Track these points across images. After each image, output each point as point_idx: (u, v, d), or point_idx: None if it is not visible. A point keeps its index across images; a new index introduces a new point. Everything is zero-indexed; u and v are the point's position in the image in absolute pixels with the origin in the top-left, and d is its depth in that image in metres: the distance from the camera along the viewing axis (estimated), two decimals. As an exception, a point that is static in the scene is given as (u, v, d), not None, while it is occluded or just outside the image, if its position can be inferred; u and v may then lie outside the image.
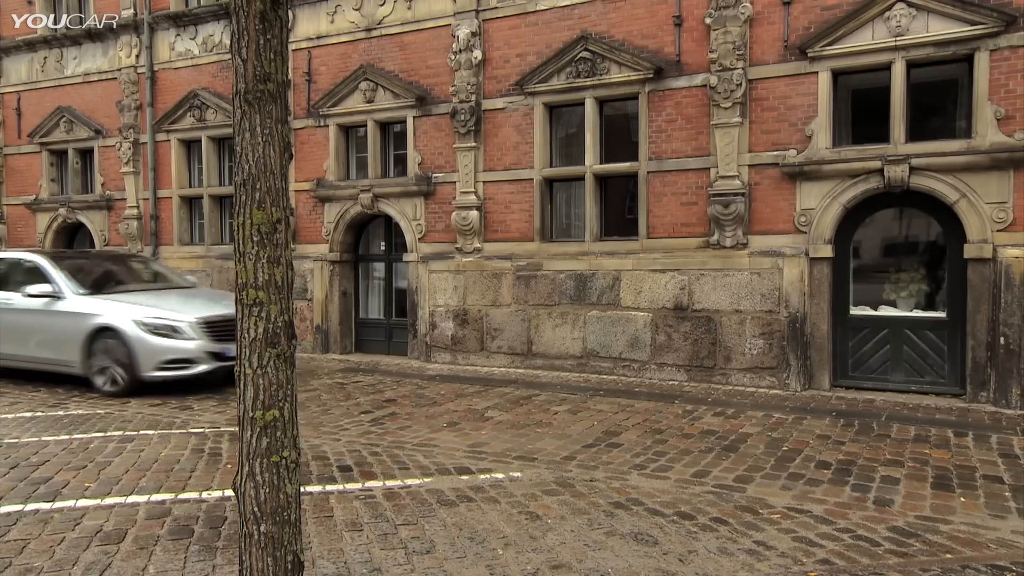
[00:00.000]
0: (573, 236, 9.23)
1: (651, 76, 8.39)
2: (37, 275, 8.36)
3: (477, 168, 9.49)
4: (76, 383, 8.21)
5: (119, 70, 12.26)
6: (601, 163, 8.87)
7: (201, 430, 6.22)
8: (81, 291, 8.20)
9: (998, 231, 6.89)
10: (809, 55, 7.62)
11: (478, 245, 9.48)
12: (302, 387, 8.01)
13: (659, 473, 5.00)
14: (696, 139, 8.24)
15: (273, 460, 2.45)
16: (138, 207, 12.29)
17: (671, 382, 8.25)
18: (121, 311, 7.80)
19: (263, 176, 2.44)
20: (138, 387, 7.65)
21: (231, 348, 7.01)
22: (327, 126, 10.56)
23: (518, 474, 5.00)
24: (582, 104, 8.87)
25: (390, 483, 4.77)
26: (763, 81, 7.91)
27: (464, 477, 4.93)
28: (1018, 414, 6.35)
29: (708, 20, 8.05)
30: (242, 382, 2.51)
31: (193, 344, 7.66)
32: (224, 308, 7.95)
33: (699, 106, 8.20)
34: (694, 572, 3.47)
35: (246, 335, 2.48)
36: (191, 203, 12.15)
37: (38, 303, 8.17)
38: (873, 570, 3.47)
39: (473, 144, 9.46)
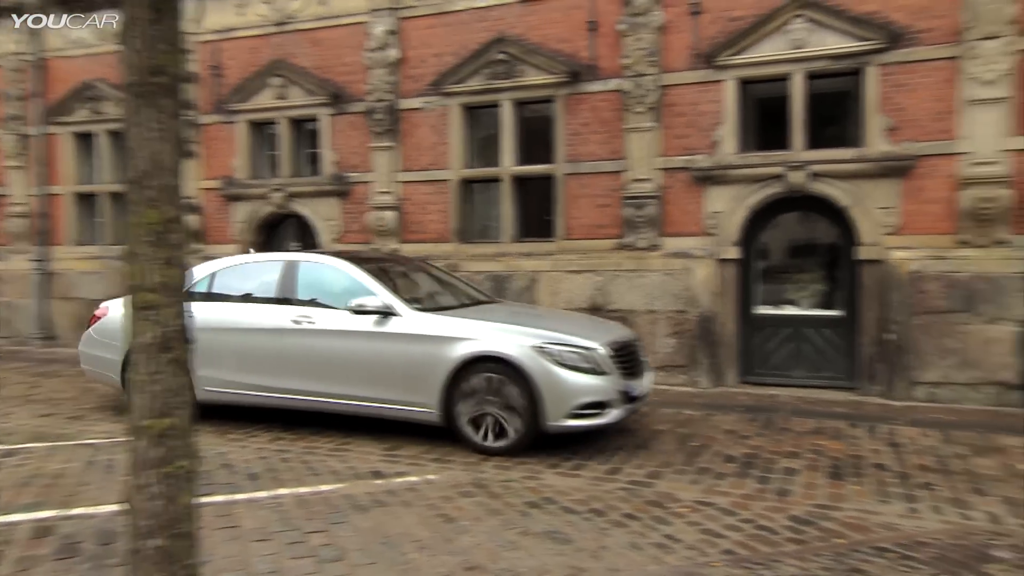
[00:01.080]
0: (491, 237, 9.25)
1: (567, 80, 8.51)
2: (336, 284, 6.10)
3: (394, 168, 9.38)
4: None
5: (1, 57, 11.44)
6: (519, 165, 8.93)
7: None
8: (416, 307, 5.91)
9: (887, 235, 7.35)
10: (716, 64, 7.91)
11: (395, 246, 9.36)
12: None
13: (573, 472, 5.07)
14: (611, 142, 8.42)
15: (167, 471, 2.33)
16: (26, 204, 11.49)
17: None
18: (507, 334, 5.49)
19: (156, 173, 2.32)
20: (532, 440, 5.41)
21: (636, 385, 5.63)
22: (236, 122, 10.19)
23: (434, 476, 4.96)
24: (500, 106, 8.90)
25: (301, 490, 4.65)
26: (674, 88, 8.16)
27: (378, 481, 4.86)
28: (905, 405, 6.79)
29: (621, 27, 8.23)
30: (134, 389, 2.38)
31: (607, 381, 5.43)
32: (613, 331, 6.07)
33: (613, 110, 8.38)
34: (605, 568, 3.53)
35: (138, 340, 2.35)
36: (87, 201, 11.46)
37: (359, 323, 5.79)
38: (771, 558, 3.62)
39: (390, 144, 9.34)
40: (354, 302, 5.79)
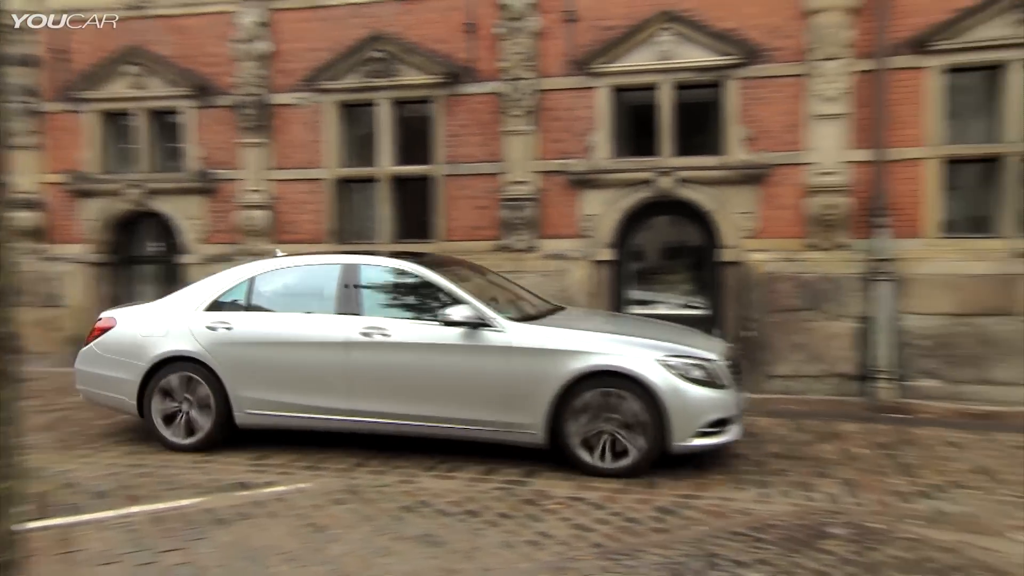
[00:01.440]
0: (369, 238, 9.05)
1: (445, 81, 8.48)
2: (412, 291, 5.52)
3: (265, 165, 8.98)
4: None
5: None
6: (397, 165, 8.80)
7: None
8: (509, 316, 5.32)
9: (746, 238, 7.85)
10: (590, 71, 8.15)
11: (270, 247, 8.96)
12: (50, 406, 7.03)
13: (449, 474, 5.05)
14: (489, 144, 8.47)
15: (-16, 493, 2.08)
16: None
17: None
18: (625, 346, 5.02)
19: (-28, 162, 2.07)
20: (656, 461, 4.96)
21: (741, 400, 5.27)
22: (85, 112, 9.41)
23: (306, 485, 4.78)
24: (377, 104, 8.74)
25: (158, 506, 4.34)
26: (551, 92, 8.32)
27: (244, 493, 4.62)
28: (762, 398, 7.24)
29: (498, 31, 8.31)
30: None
31: (730, 395, 5.05)
32: (713, 340, 5.75)
33: (492, 112, 8.44)
34: (478, 568, 3.53)
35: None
36: None
37: (445, 336, 5.18)
38: (636, 548, 3.76)
39: (261, 140, 8.94)
40: (450, 313, 5.10)
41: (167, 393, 5.58)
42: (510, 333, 5.10)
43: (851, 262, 7.51)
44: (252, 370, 5.41)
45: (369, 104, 8.81)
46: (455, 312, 5.10)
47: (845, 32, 7.49)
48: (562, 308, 6.15)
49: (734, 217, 7.88)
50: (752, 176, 7.81)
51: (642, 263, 8.64)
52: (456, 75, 8.47)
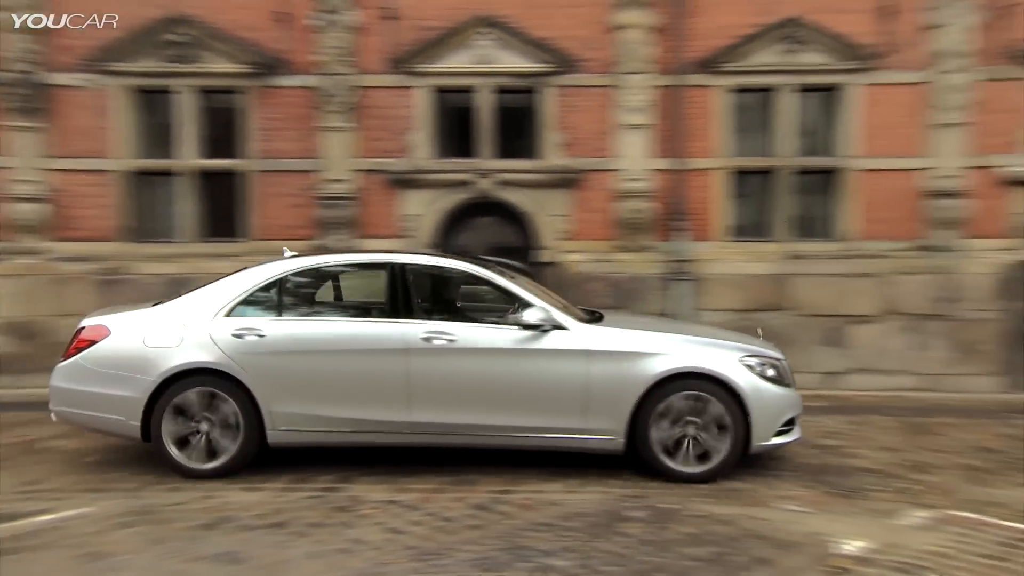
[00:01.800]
0: (170, 237, 8.33)
1: (257, 71, 8.03)
2: (472, 292, 5.30)
3: (40, 153, 7.97)
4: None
5: None
6: (202, 158, 8.19)
7: None
8: (575, 318, 4.99)
9: (562, 239, 8.20)
10: (410, 70, 8.10)
11: (46, 245, 7.96)
12: None
13: (257, 485, 4.76)
14: (305, 140, 8.14)
15: None
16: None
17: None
18: (704, 347, 4.89)
19: None
20: (737, 463, 4.84)
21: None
22: None
23: (87, 509, 4.28)
24: (179, 92, 8.07)
25: None
26: (371, 90, 8.16)
27: (7, 524, 4.04)
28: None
29: (313, 23, 8.01)
30: None
31: (796, 393, 5.06)
32: (759, 340, 5.39)
33: (308, 107, 8.12)
34: (281, 583, 3.35)
35: None
36: None
37: (514, 339, 4.81)
38: (449, 546, 3.77)
39: (34, 124, 7.92)
40: (526, 316, 4.79)
41: (182, 412, 4.80)
42: (583, 336, 4.88)
43: (655, 263, 8.09)
44: (290, 382, 4.81)
45: (169, 91, 8.11)
46: (530, 315, 4.81)
47: (647, 48, 8.06)
48: (600, 312, 5.72)
49: (551, 219, 8.20)
50: (567, 180, 8.17)
51: (464, 264, 8.71)
52: (268, 66, 8.04)
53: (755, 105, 8.42)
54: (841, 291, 7.95)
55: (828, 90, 8.20)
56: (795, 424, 5.08)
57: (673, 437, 4.79)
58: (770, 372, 4.93)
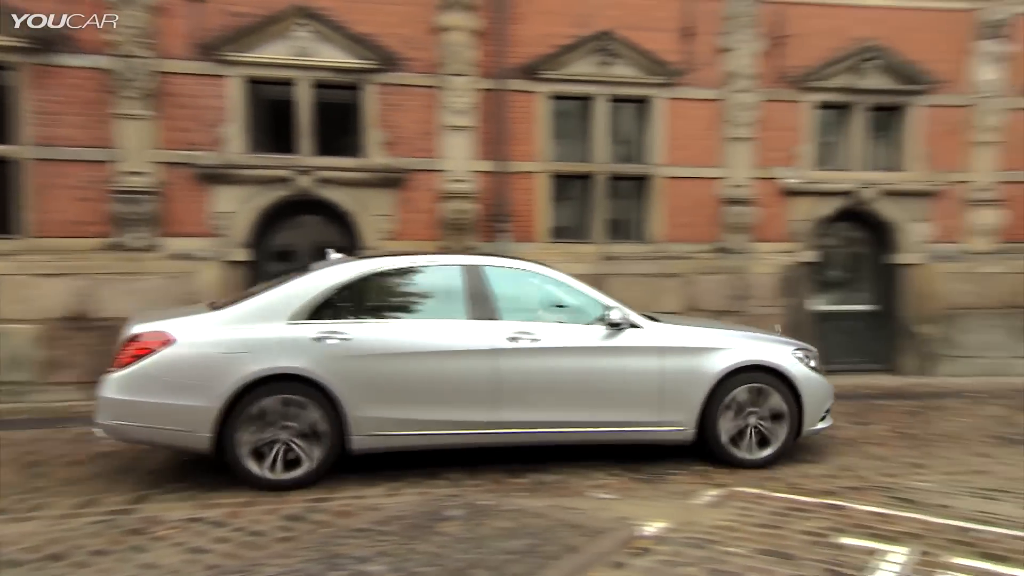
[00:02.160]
0: (-75, 232, 7.18)
1: (32, 47, 7.13)
2: (547, 294, 5.26)
3: None
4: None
5: None
6: (-33, 142, 7.13)
7: None
8: (644, 316, 5.31)
9: (386, 239, 8.07)
10: (220, 58, 7.58)
11: None
12: None
13: (28, 514, 4.19)
14: (96, 127, 7.35)
15: None
16: None
17: (66, 403, 7.14)
18: (760, 342, 5.35)
19: None
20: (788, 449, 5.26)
21: None
22: None
23: None
24: (-65, 64, 6.97)
25: None
26: (175, 76, 7.55)
27: None
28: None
29: (107, -3, 7.27)
30: None
31: (831, 383, 5.54)
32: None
33: (98, 91, 7.34)
34: (52, 622, 2.97)
35: None
36: None
37: (593, 338, 5.03)
38: (256, 561, 3.54)
39: None
40: (611, 315, 5.05)
41: (259, 420, 4.53)
42: (656, 333, 5.17)
43: (479, 263, 8.18)
44: (377, 386, 4.70)
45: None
46: (613, 314, 5.06)
47: (471, 52, 8.16)
48: (651, 313, 5.76)
49: (374, 219, 8.04)
50: (391, 180, 8.06)
51: (285, 264, 8.29)
52: (47, 42, 7.16)
53: (574, 112, 8.81)
54: (651, 290, 8.52)
55: (639, 102, 8.77)
56: (829, 411, 5.52)
57: (737, 427, 5.17)
58: (813, 363, 5.42)
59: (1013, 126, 9.13)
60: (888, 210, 9.03)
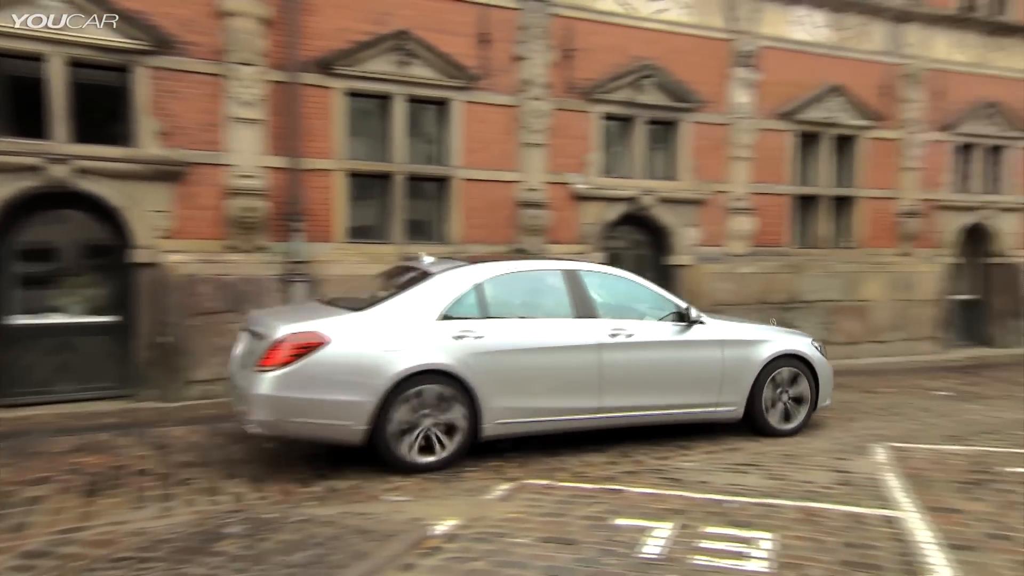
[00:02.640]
0: None
1: None
2: (630, 294, 6.08)
3: None
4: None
5: None
6: None
7: None
8: (703, 312, 6.19)
9: (162, 238, 7.35)
10: (-52, 23, 6.46)
11: None
12: None
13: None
14: None
15: None
16: None
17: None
18: (787, 335, 6.58)
19: None
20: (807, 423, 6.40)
21: None
22: None
23: None
24: None
25: None
26: None
27: None
28: (179, 406, 6.89)
29: None
30: None
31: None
32: None
33: None
34: None
35: None
36: None
37: (670, 333, 5.93)
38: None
39: None
40: (689, 312, 5.98)
41: (409, 412, 4.98)
42: (716, 328, 6.12)
43: (270, 264, 7.75)
44: (505, 379, 5.26)
45: None
46: (691, 312, 6.01)
47: (259, 40, 7.69)
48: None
49: (148, 215, 7.30)
50: (167, 173, 7.36)
51: (34, 265, 7.26)
52: None
53: (373, 111, 8.64)
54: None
55: (438, 104, 8.80)
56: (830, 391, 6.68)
57: (774, 404, 6.22)
58: (821, 351, 6.57)
59: (761, 144, 10.44)
60: (664, 216, 9.89)
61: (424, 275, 5.47)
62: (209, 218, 7.60)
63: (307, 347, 4.82)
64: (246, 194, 7.68)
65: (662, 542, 3.81)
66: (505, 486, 4.80)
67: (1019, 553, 3.70)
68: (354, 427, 4.89)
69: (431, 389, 5.04)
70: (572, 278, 5.78)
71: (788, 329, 7.04)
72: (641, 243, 10.28)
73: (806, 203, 11.04)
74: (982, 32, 11.83)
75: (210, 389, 7.31)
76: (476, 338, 5.21)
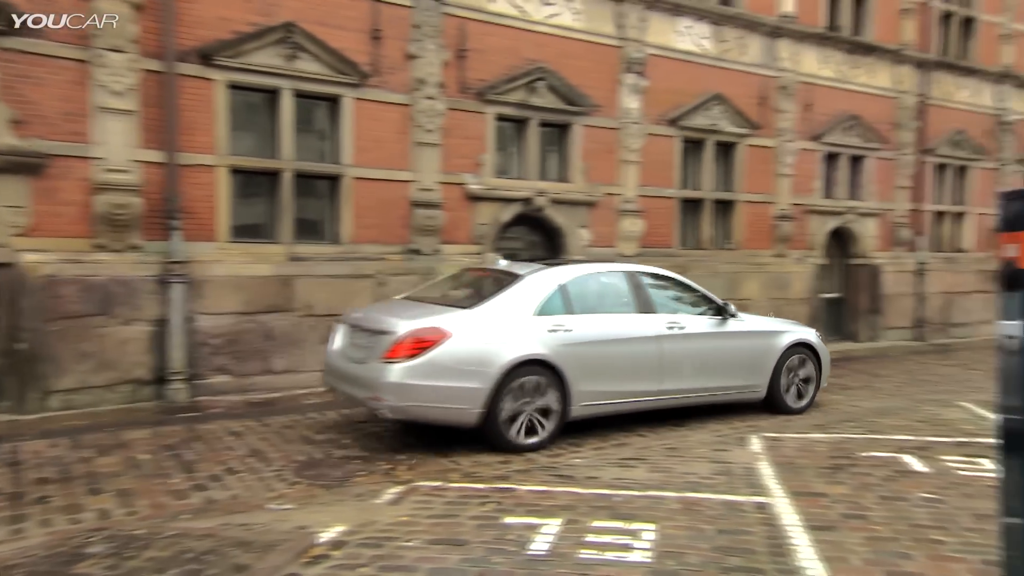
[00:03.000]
0: None
1: None
2: (676, 291, 7.07)
3: None
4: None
5: None
6: None
7: None
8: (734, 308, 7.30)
9: (17, 236, 6.73)
10: None
11: None
12: None
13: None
14: None
15: None
16: None
17: None
18: (797, 326, 7.84)
19: None
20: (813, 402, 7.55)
21: None
22: None
23: None
24: None
25: None
26: None
27: None
28: (37, 418, 6.33)
29: None
30: None
31: None
32: None
33: None
34: None
35: None
36: None
37: (711, 325, 6.91)
38: None
39: None
40: (729, 308, 7.04)
41: (514, 397, 5.68)
42: (746, 321, 7.20)
43: (144, 264, 7.27)
44: (588, 367, 5.99)
45: None
46: (728, 307, 7.02)
47: (131, 26, 7.20)
48: None
49: (0, 211, 6.67)
50: (23, 165, 6.74)
51: None
52: None
53: (260, 105, 8.29)
54: (343, 291, 8.37)
55: (329, 100, 8.55)
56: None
57: (788, 385, 7.28)
58: (822, 340, 7.69)
59: (650, 149, 10.82)
60: (557, 217, 10.05)
61: (513, 277, 6.25)
62: (74, 215, 7.04)
63: (432, 341, 5.51)
64: (116, 189, 7.16)
65: (550, 538, 3.85)
66: (395, 489, 4.72)
67: (871, 531, 4.00)
68: (471, 411, 5.58)
69: (531, 377, 5.75)
70: (632, 278, 6.78)
71: (793, 321, 8.31)
72: (536, 244, 10.41)
73: (692, 206, 11.54)
74: (844, 50, 12.78)
75: (74, 399, 6.79)
76: (566, 331, 5.98)
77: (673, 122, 10.97)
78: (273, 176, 8.27)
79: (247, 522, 4.10)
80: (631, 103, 10.56)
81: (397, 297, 7.22)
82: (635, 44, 10.54)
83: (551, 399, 5.82)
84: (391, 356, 5.44)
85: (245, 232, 8.15)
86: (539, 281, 6.20)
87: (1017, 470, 2.52)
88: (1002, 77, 14.93)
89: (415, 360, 5.43)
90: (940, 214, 14.54)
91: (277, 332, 7.94)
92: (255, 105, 8.28)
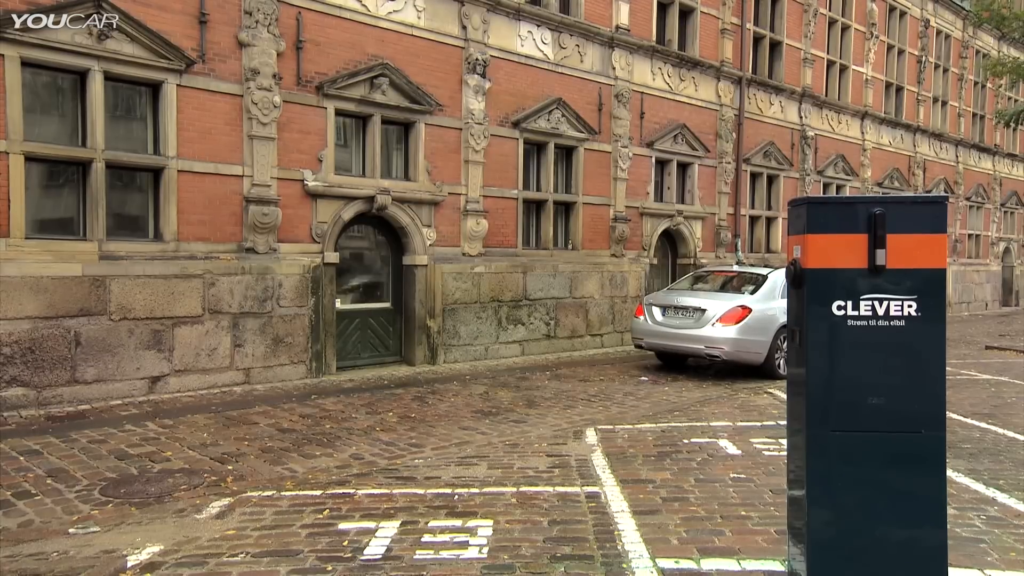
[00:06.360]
0: None
1: None
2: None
3: None
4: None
5: None
6: None
7: None
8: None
9: None
10: None
11: None
12: None
13: None
14: None
15: None
16: None
17: None
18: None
19: None
20: None
21: None
22: None
23: None
24: None
25: None
26: None
27: None
28: None
29: None
30: None
31: None
32: None
33: None
34: None
35: None
36: None
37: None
38: None
39: None
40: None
41: (781, 347, 9.30)
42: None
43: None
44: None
45: None
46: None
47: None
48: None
49: None
50: None
51: None
52: None
53: (66, 88, 7.47)
54: (166, 292, 7.75)
55: (148, 86, 7.88)
56: None
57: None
58: None
59: (494, 150, 10.97)
60: (401, 216, 9.92)
61: (762, 276, 10.13)
62: None
63: (745, 313, 9.27)
64: None
65: (386, 541, 3.77)
66: (222, 502, 4.42)
67: (689, 512, 4.29)
68: (761, 355, 9.32)
69: (784, 335, 8.39)
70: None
71: None
72: (380, 243, 10.23)
73: (534, 207, 11.85)
74: (672, 63, 13.70)
75: None
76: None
77: (516, 124, 11.20)
78: (82, 166, 7.49)
79: (40, 551, 3.66)
80: (475, 104, 10.65)
81: (668, 288, 11.52)
82: (478, 45, 10.65)
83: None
84: (723, 322, 9.21)
85: (49, 228, 7.33)
86: (776, 277, 9.78)
87: (799, 449, 2.81)
88: (803, 96, 16.70)
89: (739, 324, 9.18)
90: (755, 218, 15.99)
91: (87, 338, 7.19)
92: (61, 88, 7.47)
